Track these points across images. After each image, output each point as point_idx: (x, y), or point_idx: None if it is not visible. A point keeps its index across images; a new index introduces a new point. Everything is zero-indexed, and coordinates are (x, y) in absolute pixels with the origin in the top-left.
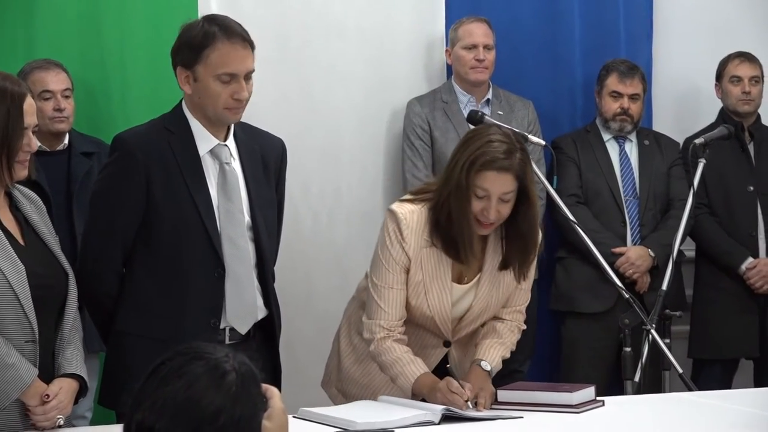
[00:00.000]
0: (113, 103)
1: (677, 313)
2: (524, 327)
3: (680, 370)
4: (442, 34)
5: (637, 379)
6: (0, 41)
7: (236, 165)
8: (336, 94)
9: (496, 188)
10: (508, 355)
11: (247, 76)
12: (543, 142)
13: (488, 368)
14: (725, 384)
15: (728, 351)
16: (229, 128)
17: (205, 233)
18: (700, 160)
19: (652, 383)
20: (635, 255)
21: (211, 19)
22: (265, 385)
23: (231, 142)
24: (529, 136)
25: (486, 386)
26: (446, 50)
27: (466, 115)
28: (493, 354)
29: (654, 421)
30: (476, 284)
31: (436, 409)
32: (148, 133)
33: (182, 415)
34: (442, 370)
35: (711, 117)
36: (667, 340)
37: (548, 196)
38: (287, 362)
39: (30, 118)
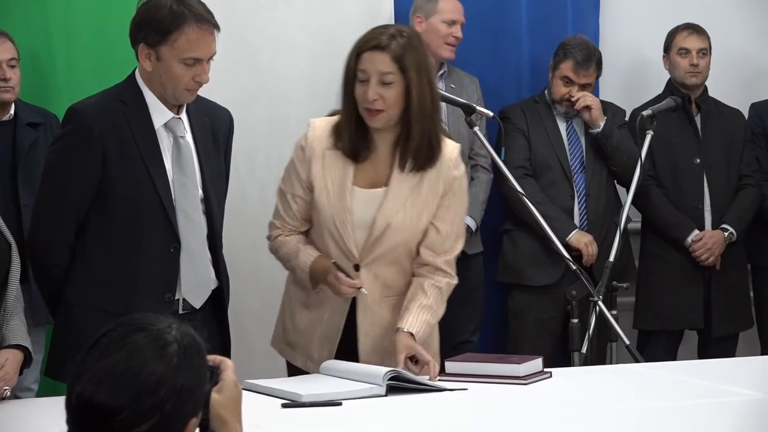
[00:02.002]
0: (59, 73)
1: (624, 285)
2: (453, 282)
3: (627, 342)
4: (390, 4)
5: (584, 350)
6: None
7: (189, 138)
8: (283, 63)
9: (372, 67)
10: (434, 322)
11: (210, 59)
12: (490, 113)
13: (411, 331)
14: (670, 355)
15: (673, 322)
16: None
17: (161, 207)
18: (647, 131)
19: (598, 355)
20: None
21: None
22: (218, 358)
23: (184, 115)
24: (477, 107)
25: (413, 347)
26: (417, 17)
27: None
28: (414, 320)
29: (601, 391)
30: (384, 193)
31: (380, 379)
32: (102, 105)
33: (122, 386)
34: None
35: (658, 89)
36: (614, 312)
37: (495, 167)
38: (234, 333)
39: None
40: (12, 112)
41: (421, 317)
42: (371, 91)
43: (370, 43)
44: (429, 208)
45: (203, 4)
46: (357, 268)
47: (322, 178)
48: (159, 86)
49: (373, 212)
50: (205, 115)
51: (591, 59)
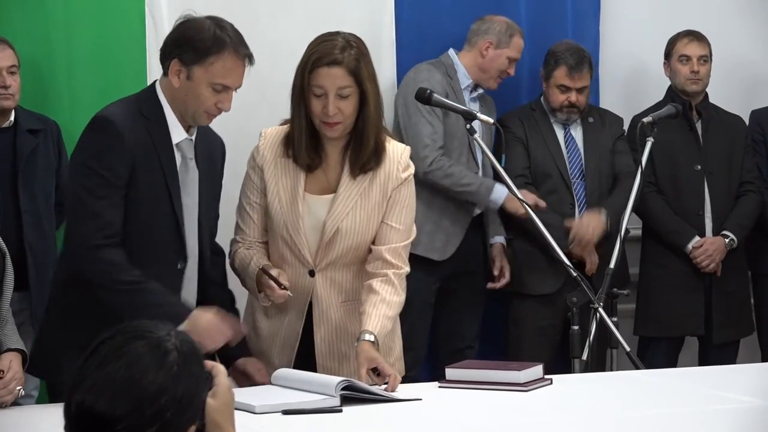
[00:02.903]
0: (59, 80)
1: (625, 292)
2: (403, 271)
3: (628, 348)
4: (390, 13)
5: (584, 357)
6: None
7: (194, 160)
8: (282, 72)
9: (330, 83)
10: (392, 312)
11: (235, 89)
12: (491, 120)
13: (372, 339)
14: (671, 361)
15: (674, 329)
16: None
17: (176, 224)
18: (648, 138)
19: (598, 361)
20: (588, 219)
21: (222, 25)
22: (210, 363)
23: (194, 137)
24: (477, 114)
25: (376, 359)
26: (487, 42)
27: (468, 96)
28: (371, 321)
29: (602, 398)
30: (333, 197)
31: (333, 390)
32: (128, 116)
33: (123, 394)
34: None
35: (658, 95)
36: (615, 319)
37: (496, 176)
38: None
39: None
40: (12, 118)
41: (378, 312)
42: (332, 106)
43: (324, 59)
44: (379, 211)
45: (241, 35)
46: (312, 273)
47: (275, 185)
48: (181, 104)
49: (323, 217)
50: (204, 139)
51: (583, 61)
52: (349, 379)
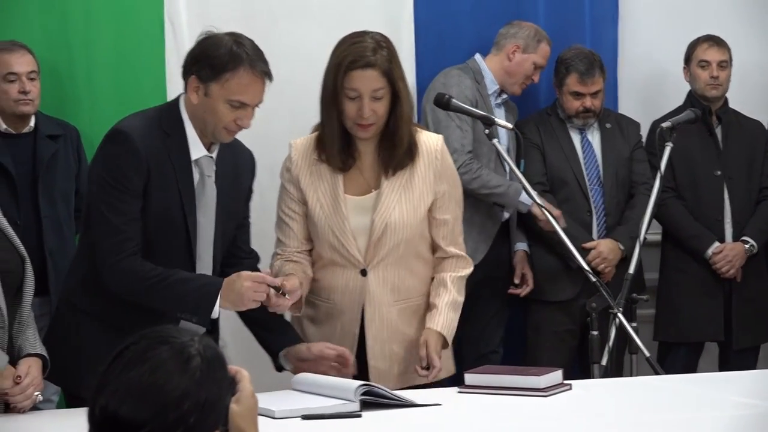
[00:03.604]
0: (78, 85)
1: (644, 297)
2: (470, 268)
3: (647, 354)
4: (409, 16)
5: (604, 362)
6: None
7: (213, 178)
8: (302, 76)
9: (364, 86)
10: (458, 316)
11: (256, 106)
12: (510, 126)
13: (438, 329)
14: (690, 367)
15: (694, 334)
16: None
17: (187, 239)
18: (666, 143)
19: (617, 367)
20: (607, 249)
21: (240, 42)
22: (234, 368)
23: (215, 154)
24: (496, 120)
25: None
26: (514, 46)
27: (494, 102)
28: (444, 320)
29: (621, 404)
30: (376, 196)
31: (352, 394)
32: (146, 130)
33: (146, 399)
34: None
35: (678, 100)
36: (634, 324)
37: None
38: (248, 345)
39: None
40: (32, 124)
41: (450, 316)
42: (367, 109)
43: (359, 62)
44: (425, 200)
45: (261, 52)
46: (364, 273)
47: (314, 192)
48: (201, 121)
49: (369, 216)
50: (230, 155)
51: (594, 66)
52: (368, 383)
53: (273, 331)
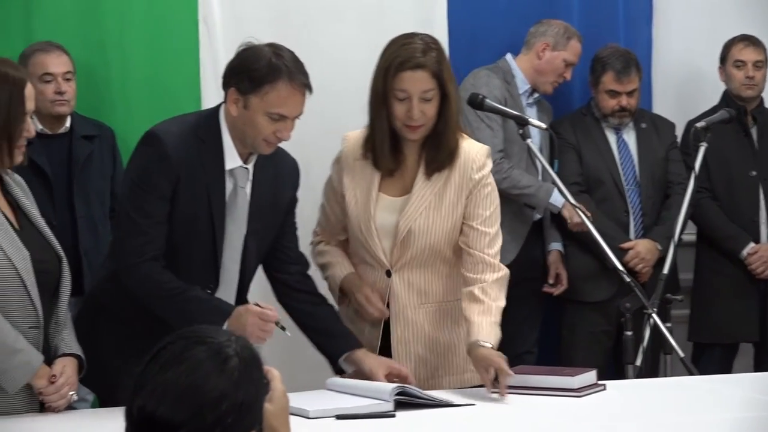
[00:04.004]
0: (113, 85)
1: (679, 297)
2: (502, 273)
3: (682, 354)
4: (443, 17)
5: (638, 363)
6: None
7: (248, 189)
8: (335, 77)
9: (414, 87)
10: (497, 319)
11: (295, 118)
12: (544, 126)
13: (489, 345)
14: (725, 368)
15: (728, 335)
16: None
17: (213, 247)
18: (701, 143)
19: (651, 367)
20: (644, 249)
21: (279, 53)
22: (266, 367)
23: (251, 166)
24: (530, 119)
25: (498, 364)
26: (543, 44)
27: (525, 102)
28: (486, 330)
29: (655, 404)
30: (407, 198)
31: (387, 395)
32: (181, 137)
33: (184, 400)
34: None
35: (713, 100)
36: (668, 324)
37: (549, 181)
38: (282, 341)
39: (30, 104)
40: (68, 124)
41: (487, 321)
42: (416, 110)
43: (409, 63)
44: (456, 212)
45: (301, 63)
46: (389, 274)
47: (353, 188)
48: (240, 132)
49: (396, 218)
50: (271, 165)
51: (630, 64)
52: (402, 385)
53: (332, 336)
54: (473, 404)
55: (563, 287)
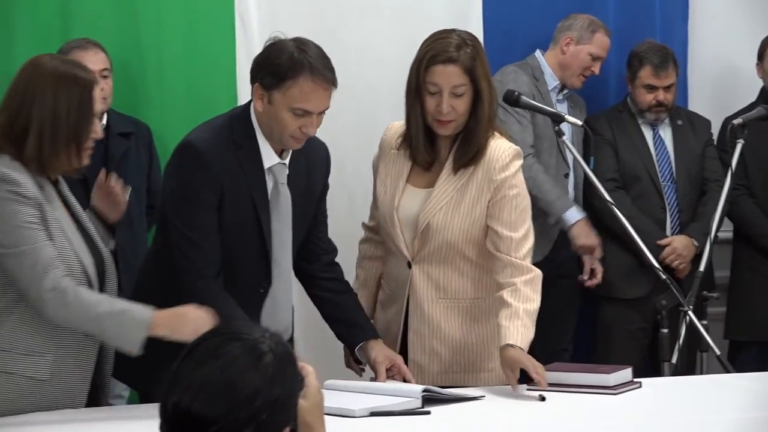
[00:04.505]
0: (150, 83)
1: (715, 295)
2: (532, 274)
3: (718, 352)
4: (478, 13)
5: (674, 360)
6: (36, 22)
7: (285, 184)
8: (370, 73)
9: (445, 81)
10: (529, 321)
11: (321, 113)
12: (579, 122)
13: (517, 346)
14: (762, 366)
15: (765, 333)
16: None
17: (263, 248)
18: (738, 140)
19: (687, 365)
20: (681, 245)
21: (302, 48)
22: (300, 363)
23: (287, 159)
24: (565, 116)
25: (523, 363)
26: (567, 38)
27: (555, 98)
28: (513, 333)
29: (691, 402)
30: (429, 192)
31: (416, 393)
32: (218, 144)
33: (219, 396)
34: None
35: (749, 97)
36: (704, 322)
37: (585, 178)
38: (320, 335)
39: (98, 105)
40: (104, 122)
41: (515, 324)
42: (445, 104)
43: (440, 57)
44: (474, 211)
45: (326, 58)
46: (409, 265)
47: (384, 177)
48: (267, 128)
49: (417, 210)
50: (303, 155)
51: (667, 59)
52: (430, 387)
53: (350, 326)
54: (483, 396)
55: (597, 280)
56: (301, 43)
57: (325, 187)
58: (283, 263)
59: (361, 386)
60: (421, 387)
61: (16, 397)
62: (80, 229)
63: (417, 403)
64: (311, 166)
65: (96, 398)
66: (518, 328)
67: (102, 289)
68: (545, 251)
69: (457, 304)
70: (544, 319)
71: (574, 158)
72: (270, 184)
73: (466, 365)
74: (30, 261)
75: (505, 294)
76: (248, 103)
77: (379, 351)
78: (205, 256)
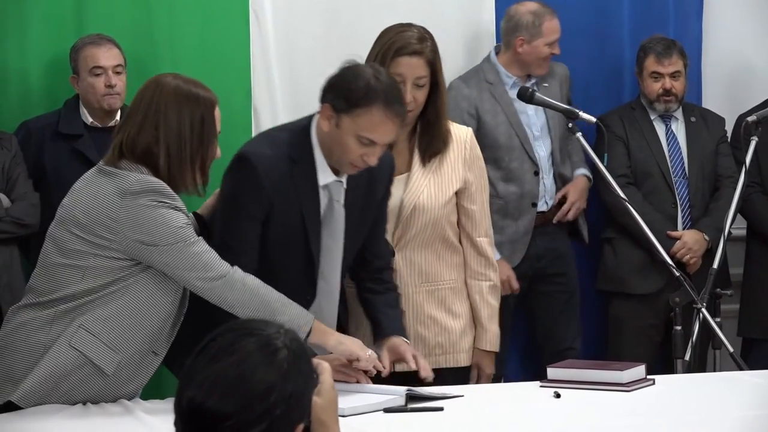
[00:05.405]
0: None
1: (728, 292)
2: (494, 276)
3: (731, 349)
4: (491, 12)
5: (687, 357)
6: (50, 18)
7: (342, 199)
8: None
9: (409, 72)
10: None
11: (385, 145)
12: (593, 119)
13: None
14: None
15: None
16: None
17: (309, 262)
18: (752, 138)
19: (700, 362)
20: (692, 240)
21: (379, 77)
22: (315, 361)
23: (344, 177)
24: (580, 113)
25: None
26: (519, 39)
27: (514, 95)
28: (490, 336)
29: (705, 399)
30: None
31: (399, 392)
32: (274, 160)
33: (233, 392)
34: None
35: (763, 94)
36: (718, 319)
37: (597, 174)
38: None
39: (219, 126)
40: (118, 118)
41: (493, 329)
42: (409, 94)
43: (406, 49)
44: (453, 185)
45: (400, 91)
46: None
47: None
48: (328, 149)
49: (400, 196)
50: (365, 170)
51: (671, 47)
52: (412, 387)
53: (375, 323)
54: (461, 395)
55: (571, 215)
56: (377, 72)
57: (387, 193)
58: (332, 279)
59: (345, 387)
60: (404, 388)
61: (78, 382)
62: None
63: (401, 400)
64: (373, 179)
65: None
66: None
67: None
68: (523, 251)
69: (439, 287)
70: (544, 320)
71: (552, 153)
72: (324, 201)
73: (447, 347)
74: (191, 254)
75: (485, 291)
76: (310, 118)
77: (390, 347)
78: (243, 266)
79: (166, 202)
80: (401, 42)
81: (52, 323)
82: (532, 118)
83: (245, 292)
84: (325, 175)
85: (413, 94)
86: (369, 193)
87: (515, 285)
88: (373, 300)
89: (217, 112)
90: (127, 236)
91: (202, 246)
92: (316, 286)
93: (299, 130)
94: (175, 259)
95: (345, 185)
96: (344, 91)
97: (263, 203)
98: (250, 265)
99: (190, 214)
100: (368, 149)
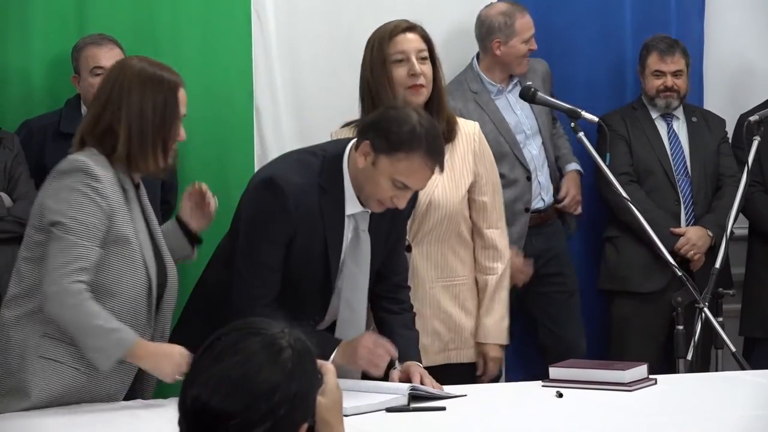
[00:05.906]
0: None
1: (731, 292)
2: (504, 264)
3: (733, 349)
4: None
5: (689, 357)
6: (52, 18)
7: (367, 231)
8: None
9: (410, 46)
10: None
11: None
12: (596, 119)
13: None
14: None
15: None
16: None
17: (326, 293)
18: (754, 137)
19: (702, 361)
20: (696, 236)
21: (423, 124)
22: (320, 361)
23: None
24: (582, 113)
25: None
26: (496, 41)
27: (500, 102)
28: (497, 328)
29: (707, 399)
30: None
31: (402, 390)
32: (304, 188)
33: (237, 391)
34: None
35: (765, 94)
36: (720, 319)
37: (599, 173)
38: None
39: (183, 108)
40: None
41: (503, 323)
42: (417, 65)
43: (399, 27)
44: (465, 179)
45: (441, 140)
46: (409, 248)
47: None
48: (359, 183)
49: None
50: None
51: (675, 46)
52: (415, 385)
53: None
54: (465, 395)
55: (572, 208)
56: (423, 119)
57: (411, 210)
58: (357, 306)
59: (347, 386)
60: (407, 385)
61: (62, 388)
62: (151, 238)
63: (403, 400)
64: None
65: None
66: (504, 329)
67: (159, 301)
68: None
69: (455, 282)
70: (544, 320)
71: (539, 156)
72: (350, 230)
73: (460, 342)
74: (67, 255)
75: (491, 282)
76: (342, 147)
77: (403, 370)
78: (264, 288)
79: (90, 184)
80: (392, 26)
81: (17, 324)
82: (522, 118)
83: (74, 309)
84: (352, 205)
85: (421, 68)
86: (396, 214)
87: (529, 270)
88: (389, 320)
89: (182, 94)
90: (44, 209)
91: (83, 253)
92: (328, 306)
93: (331, 159)
94: (51, 246)
95: (370, 212)
96: (387, 132)
97: (288, 230)
98: (273, 284)
99: (173, 219)
100: (399, 192)
